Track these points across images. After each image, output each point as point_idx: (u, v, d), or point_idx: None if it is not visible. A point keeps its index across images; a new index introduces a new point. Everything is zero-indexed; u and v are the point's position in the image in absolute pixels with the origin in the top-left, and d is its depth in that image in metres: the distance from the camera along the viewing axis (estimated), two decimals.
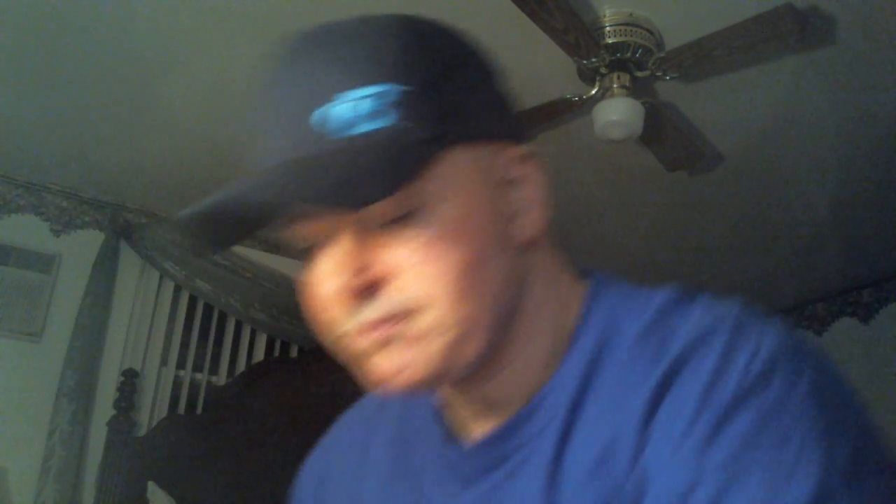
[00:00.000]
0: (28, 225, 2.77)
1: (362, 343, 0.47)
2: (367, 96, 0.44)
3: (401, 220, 0.45)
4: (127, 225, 2.89)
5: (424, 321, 0.45)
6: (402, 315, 0.45)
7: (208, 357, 3.02)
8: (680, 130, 2.16)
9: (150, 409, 2.79)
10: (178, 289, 2.98)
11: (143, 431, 2.70)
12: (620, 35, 1.85)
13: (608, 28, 1.86)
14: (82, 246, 2.82)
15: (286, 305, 3.10)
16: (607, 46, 1.86)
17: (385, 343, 0.46)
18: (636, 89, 1.95)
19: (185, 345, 2.97)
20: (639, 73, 1.94)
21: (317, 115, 0.45)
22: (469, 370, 0.48)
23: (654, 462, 0.42)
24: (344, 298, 0.46)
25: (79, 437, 2.54)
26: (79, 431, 2.55)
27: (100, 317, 2.72)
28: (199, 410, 2.88)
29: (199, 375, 2.99)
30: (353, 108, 0.44)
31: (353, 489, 0.61)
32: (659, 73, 1.93)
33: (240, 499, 2.55)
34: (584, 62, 1.90)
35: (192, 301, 3.02)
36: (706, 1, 1.78)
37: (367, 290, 0.45)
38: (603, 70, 1.93)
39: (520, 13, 1.68)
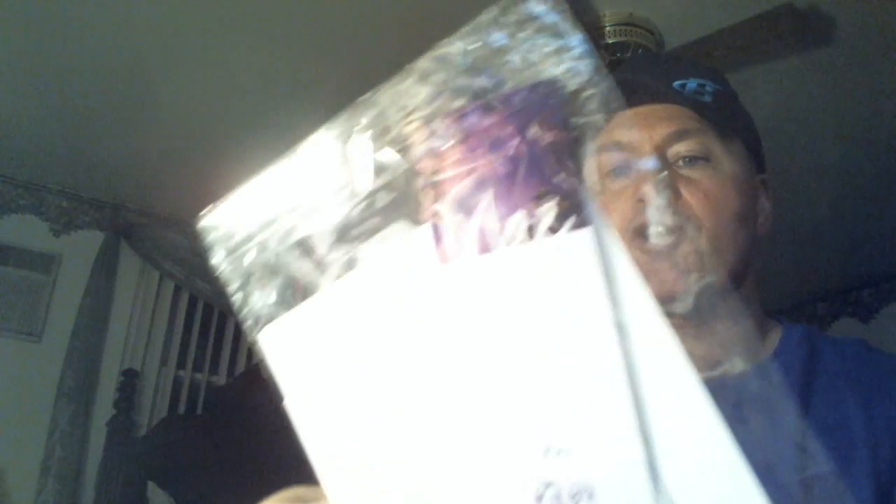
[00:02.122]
0: (28, 225, 2.77)
1: (640, 246, 0.61)
2: (702, 83, 0.65)
3: (697, 160, 0.63)
4: (127, 225, 2.89)
5: (692, 246, 0.60)
6: (680, 229, 0.60)
7: (208, 357, 3.02)
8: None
9: (150, 409, 2.79)
10: (178, 289, 2.98)
11: (143, 431, 2.70)
12: (620, 35, 1.85)
13: (608, 28, 1.86)
14: (82, 246, 2.82)
15: None
16: (607, 46, 1.86)
17: (659, 254, 0.60)
18: None
19: (185, 345, 2.97)
20: None
21: (677, 83, 0.65)
22: (712, 294, 0.60)
23: None
24: (647, 202, 0.61)
25: (79, 437, 2.54)
26: (79, 431, 2.55)
27: (100, 317, 2.72)
28: (199, 410, 2.87)
29: (199, 375, 2.99)
30: (695, 81, 0.65)
31: None
32: None
33: (240, 499, 2.55)
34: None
35: (192, 301, 3.02)
36: (706, 1, 1.78)
37: (669, 200, 0.61)
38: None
39: None
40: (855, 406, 0.58)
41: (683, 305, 0.61)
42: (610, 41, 1.86)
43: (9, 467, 2.46)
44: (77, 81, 2.18)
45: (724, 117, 0.64)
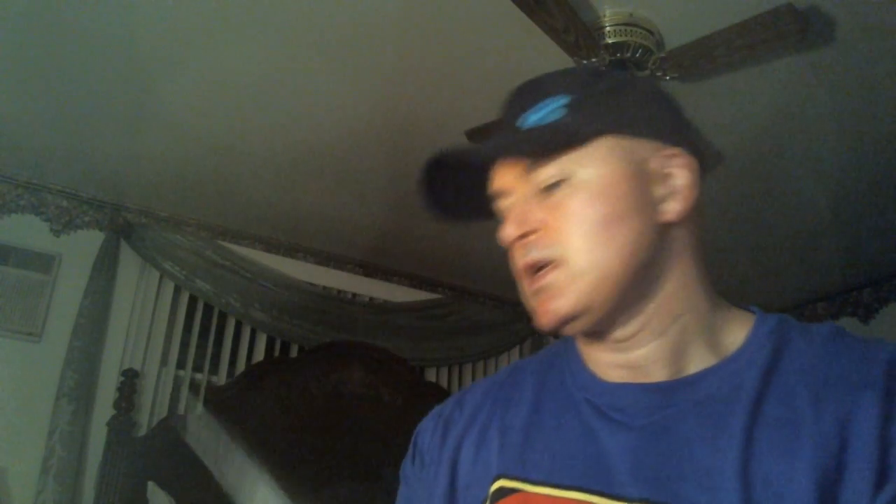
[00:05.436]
0: (28, 225, 2.77)
1: (529, 287, 0.64)
2: (550, 104, 0.65)
3: (555, 186, 0.63)
4: (127, 225, 2.89)
5: (566, 270, 0.61)
6: (548, 263, 0.62)
7: (208, 357, 3.02)
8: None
9: (150, 409, 2.79)
10: (178, 289, 2.98)
11: (143, 431, 2.70)
12: (620, 35, 1.85)
13: (608, 28, 1.86)
14: (82, 246, 2.82)
15: (286, 305, 3.11)
16: (607, 46, 1.86)
17: (541, 289, 0.63)
18: None
19: (185, 345, 2.97)
20: (639, 73, 1.94)
21: (520, 118, 0.67)
22: (609, 314, 0.63)
23: None
24: (510, 242, 0.64)
25: (79, 437, 2.54)
26: (79, 431, 2.55)
27: (100, 317, 2.72)
28: (199, 410, 2.88)
29: (199, 375, 2.99)
30: (540, 111, 0.66)
31: (499, 420, 0.71)
32: (659, 73, 1.93)
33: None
34: (584, 62, 1.90)
35: (192, 301, 3.02)
36: (706, 1, 1.78)
37: (526, 237, 0.63)
38: (603, 70, 1.93)
39: (520, 13, 1.68)
40: (807, 402, 0.58)
41: (583, 324, 0.63)
42: (610, 41, 1.86)
43: (9, 467, 2.46)
44: (77, 81, 2.18)
45: (583, 124, 0.63)
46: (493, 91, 2.16)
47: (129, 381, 2.64)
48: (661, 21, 1.87)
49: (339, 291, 3.37)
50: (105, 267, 2.79)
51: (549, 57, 1.93)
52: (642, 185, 0.63)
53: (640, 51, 1.87)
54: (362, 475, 2.79)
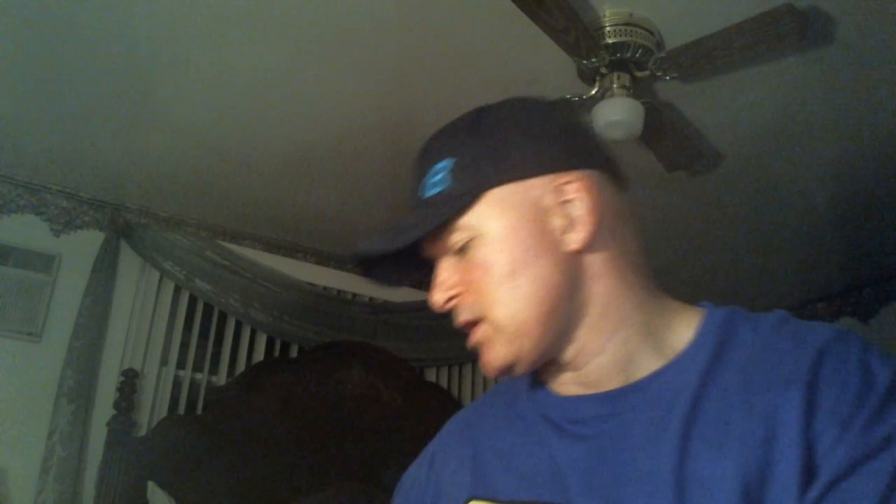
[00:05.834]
0: (28, 225, 2.77)
1: (468, 343, 0.67)
2: (437, 170, 0.67)
3: (466, 246, 0.65)
4: (127, 225, 2.89)
5: (489, 325, 0.64)
6: (477, 320, 0.65)
7: (208, 357, 3.02)
8: (680, 130, 2.16)
9: (150, 409, 2.79)
10: (178, 289, 2.98)
11: (143, 431, 2.70)
12: (620, 35, 1.85)
13: (608, 28, 1.86)
14: (82, 246, 2.82)
15: (286, 305, 3.11)
16: (607, 46, 1.86)
17: (476, 344, 0.66)
18: (636, 89, 1.95)
19: (185, 345, 2.96)
20: (639, 73, 1.94)
21: (419, 188, 0.69)
22: (542, 354, 0.65)
23: (822, 435, 0.53)
24: (441, 306, 0.67)
25: (79, 437, 2.54)
26: (79, 431, 2.55)
27: (100, 317, 2.72)
28: (199, 410, 2.87)
29: (199, 375, 2.99)
30: (431, 179, 0.67)
31: (471, 447, 0.74)
32: (659, 73, 1.93)
33: (240, 499, 2.55)
34: (584, 62, 1.90)
35: (192, 301, 3.02)
36: (706, 1, 1.78)
37: (452, 301, 0.66)
38: (603, 70, 1.93)
39: (520, 13, 1.68)
40: (740, 397, 0.57)
41: (523, 368, 0.66)
42: (610, 41, 1.86)
43: (9, 467, 2.46)
44: (77, 82, 2.18)
45: (467, 186, 0.64)
46: (493, 91, 2.15)
47: (129, 381, 2.64)
48: (661, 21, 1.87)
49: (339, 291, 3.37)
50: (105, 267, 2.79)
51: (549, 57, 1.93)
52: (541, 224, 0.64)
53: (640, 51, 1.87)
54: (362, 475, 2.79)
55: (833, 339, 0.58)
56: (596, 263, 0.65)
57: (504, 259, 0.63)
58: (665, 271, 3.11)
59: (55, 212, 2.84)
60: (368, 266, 0.71)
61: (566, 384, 0.68)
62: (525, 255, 0.63)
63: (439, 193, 0.66)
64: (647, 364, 0.64)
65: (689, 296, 0.71)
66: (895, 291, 3.32)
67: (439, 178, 0.66)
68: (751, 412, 0.56)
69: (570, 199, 0.64)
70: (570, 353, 0.66)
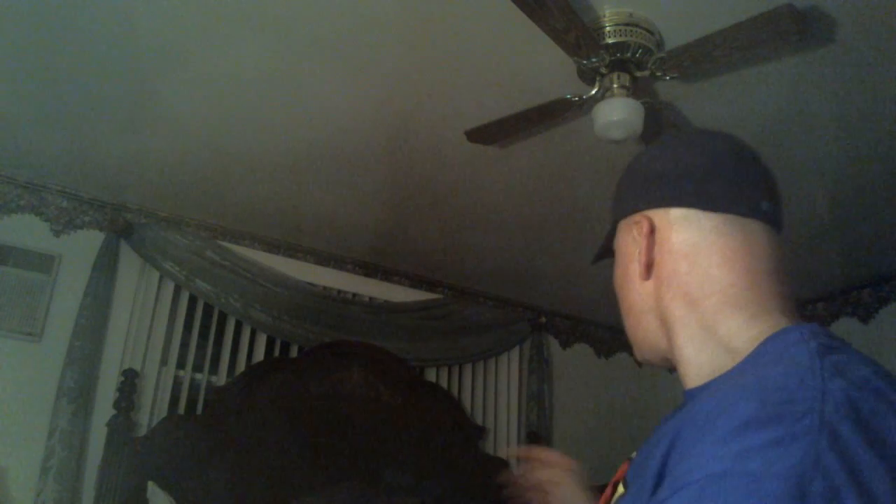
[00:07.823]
0: (28, 225, 2.77)
1: None
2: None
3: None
4: (127, 225, 2.89)
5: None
6: None
7: (208, 357, 3.02)
8: (680, 130, 2.16)
9: (150, 409, 2.79)
10: (178, 289, 2.98)
11: (143, 431, 2.70)
12: (620, 35, 1.85)
13: (608, 28, 1.85)
14: (82, 246, 2.82)
15: (286, 305, 3.11)
16: (607, 46, 1.86)
17: None
18: (636, 89, 1.95)
19: (185, 345, 2.97)
20: (639, 73, 1.94)
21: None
22: (650, 356, 0.77)
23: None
24: None
25: (79, 437, 2.54)
26: (79, 431, 2.55)
27: (100, 317, 2.72)
28: (199, 410, 2.87)
29: (199, 375, 2.99)
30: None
31: None
32: (659, 73, 1.93)
33: (240, 499, 2.55)
34: (584, 62, 1.90)
35: (192, 301, 3.02)
36: (706, 1, 1.78)
37: None
38: (603, 70, 1.93)
39: (520, 13, 1.68)
40: (662, 435, 0.61)
41: (651, 362, 0.79)
42: (610, 41, 1.86)
43: (9, 467, 2.46)
44: (77, 81, 2.18)
45: (613, 215, 0.83)
46: (493, 91, 2.16)
47: (129, 381, 2.64)
48: (661, 21, 1.87)
49: (339, 291, 3.37)
50: (105, 267, 2.79)
51: (549, 57, 1.93)
52: (630, 256, 0.78)
53: (640, 51, 1.87)
54: (362, 475, 2.79)
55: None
56: (655, 295, 0.75)
57: (616, 276, 0.81)
58: None
59: (55, 212, 2.84)
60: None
61: None
62: (622, 276, 0.79)
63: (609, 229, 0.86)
64: (691, 382, 0.72)
65: None
66: (894, 292, 3.32)
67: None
68: (653, 456, 0.60)
69: (638, 238, 0.76)
70: (679, 370, 0.74)
